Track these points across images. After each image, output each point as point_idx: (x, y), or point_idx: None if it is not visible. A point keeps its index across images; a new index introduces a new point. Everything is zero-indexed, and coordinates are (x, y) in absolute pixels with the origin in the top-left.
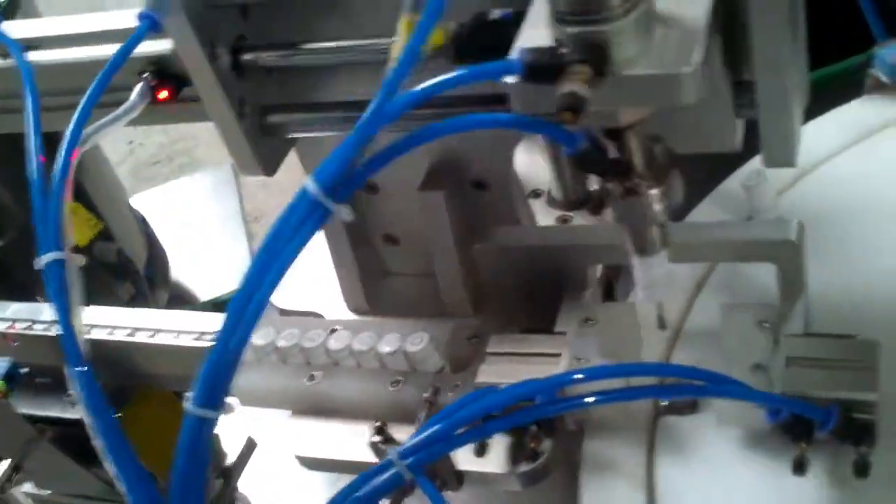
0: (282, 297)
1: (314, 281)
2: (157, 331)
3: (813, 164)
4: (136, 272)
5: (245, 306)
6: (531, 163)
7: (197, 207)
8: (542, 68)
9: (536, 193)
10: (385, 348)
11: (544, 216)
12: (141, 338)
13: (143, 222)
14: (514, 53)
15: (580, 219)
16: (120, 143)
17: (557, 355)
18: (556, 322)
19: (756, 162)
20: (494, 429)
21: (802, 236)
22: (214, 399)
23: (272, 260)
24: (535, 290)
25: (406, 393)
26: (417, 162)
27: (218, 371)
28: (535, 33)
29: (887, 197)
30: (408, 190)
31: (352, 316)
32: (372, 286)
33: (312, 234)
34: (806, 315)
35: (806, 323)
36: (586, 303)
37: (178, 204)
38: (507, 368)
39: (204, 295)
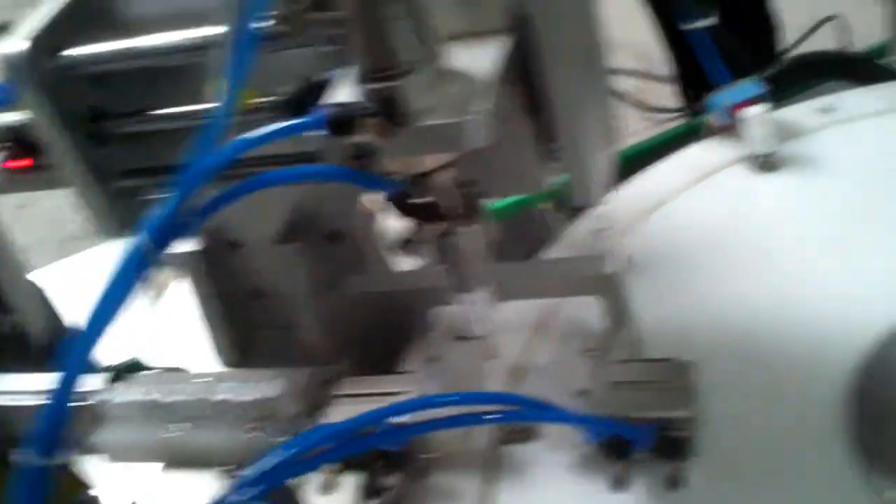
0: (150, 354)
1: (185, 337)
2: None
3: (658, 202)
4: (31, 343)
5: (75, 356)
6: None
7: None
8: (341, 121)
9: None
10: (243, 397)
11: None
12: None
13: (41, 294)
14: (320, 109)
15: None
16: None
17: (403, 393)
18: (405, 362)
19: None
20: (321, 461)
21: (622, 270)
22: (48, 449)
23: (102, 312)
24: (391, 334)
25: (261, 439)
26: (276, 217)
27: (50, 423)
28: (343, 91)
29: (723, 232)
30: (268, 245)
31: (221, 369)
32: (241, 340)
33: (139, 283)
34: (636, 342)
35: (639, 349)
36: (433, 342)
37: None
38: (352, 409)
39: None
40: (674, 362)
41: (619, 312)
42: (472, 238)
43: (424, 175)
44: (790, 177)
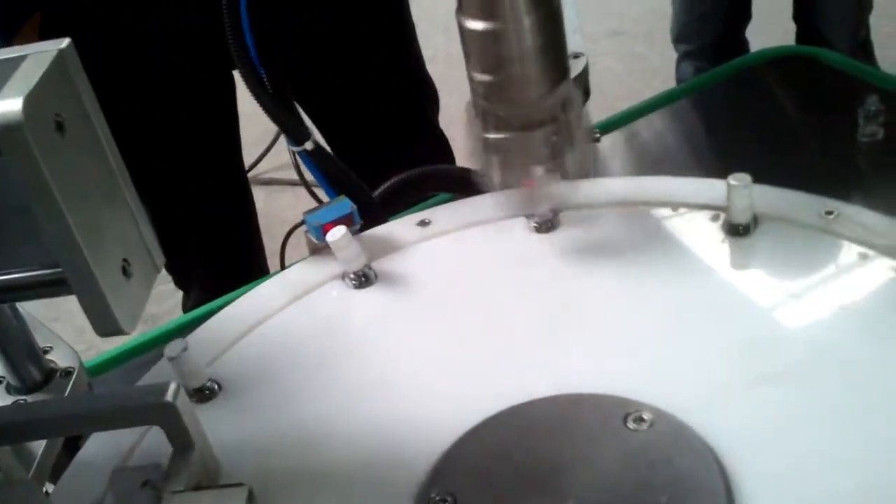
0: None
1: None
2: None
3: (255, 323)
4: None
5: None
6: None
7: None
8: None
9: None
10: None
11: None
12: None
13: None
14: None
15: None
16: None
17: None
18: None
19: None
20: None
21: (180, 396)
22: None
23: None
24: None
25: None
26: None
27: None
28: None
29: (315, 349)
30: None
31: None
32: None
33: None
34: (210, 470)
35: (216, 476)
36: None
37: None
38: None
39: None
40: (232, 489)
41: (182, 441)
42: None
43: None
44: (383, 290)
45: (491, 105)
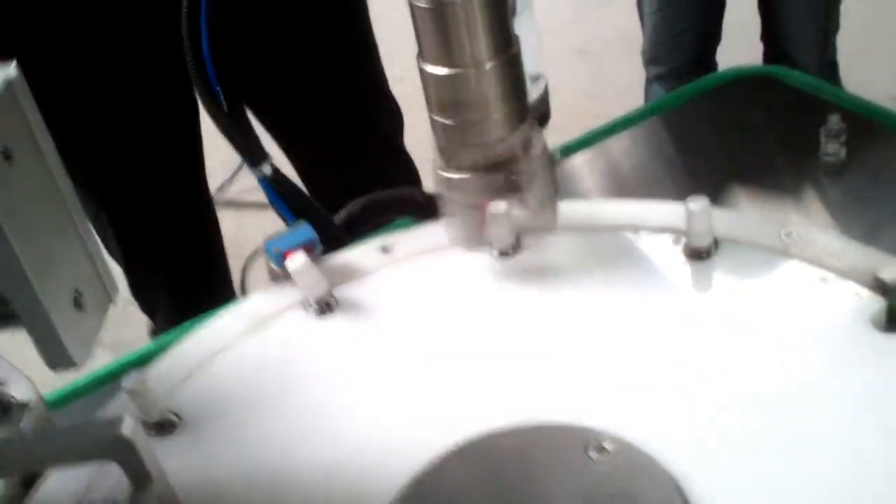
0: None
1: None
2: None
3: (214, 353)
4: None
5: None
6: None
7: None
8: None
9: None
10: None
11: None
12: None
13: None
14: None
15: None
16: None
17: None
18: None
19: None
20: None
21: (136, 431)
22: None
23: None
24: None
25: None
26: None
27: None
28: None
29: (274, 377)
30: None
31: None
32: None
33: None
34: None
35: None
36: None
37: None
38: None
39: None
40: None
41: (140, 476)
42: None
43: None
44: (345, 318)
45: (451, 146)
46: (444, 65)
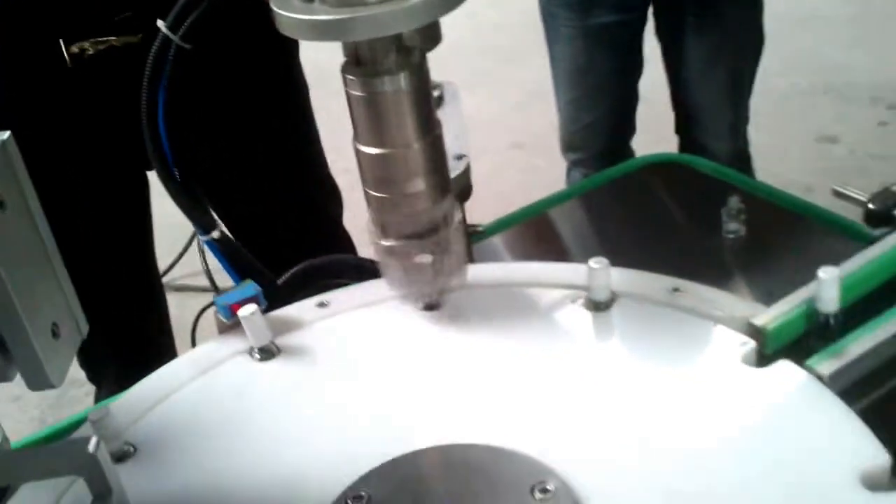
0: None
1: None
2: None
3: (167, 394)
4: None
5: None
6: None
7: None
8: None
9: None
10: None
11: None
12: None
13: None
14: None
15: None
16: None
17: None
18: None
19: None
20: None
21: (100, 448)
22: None
23: None
24: None
25: None
26: None
27: None
28: None
29: (222, 415)
30: None
31: None
32: None
33: None
34: None
35: None
36: None
37: None
38: None
39: None
40: None
41: (102, 489)
42: None
43: None
44: (285, 363)
45: (384, 217)
46: (376, 146)
